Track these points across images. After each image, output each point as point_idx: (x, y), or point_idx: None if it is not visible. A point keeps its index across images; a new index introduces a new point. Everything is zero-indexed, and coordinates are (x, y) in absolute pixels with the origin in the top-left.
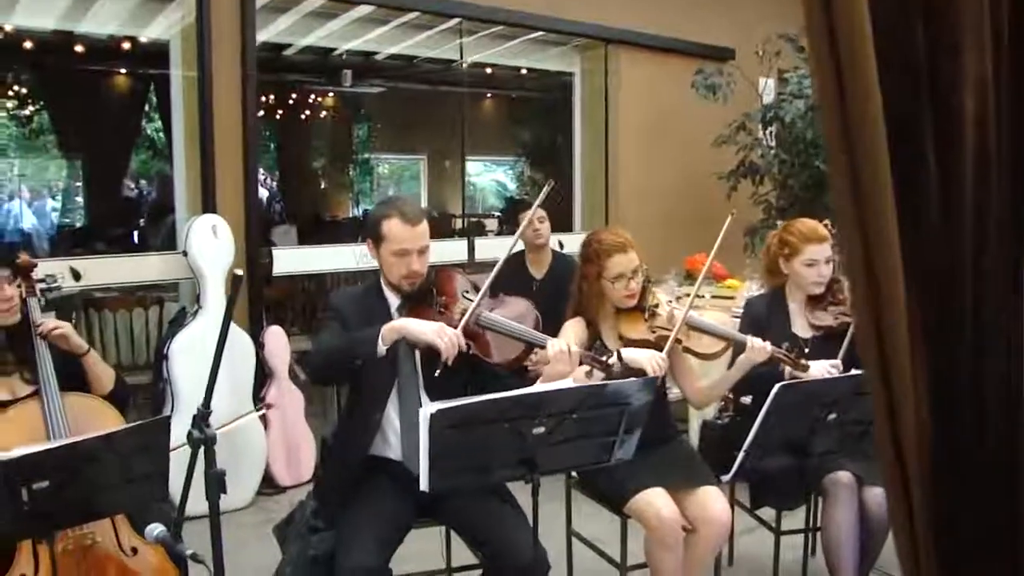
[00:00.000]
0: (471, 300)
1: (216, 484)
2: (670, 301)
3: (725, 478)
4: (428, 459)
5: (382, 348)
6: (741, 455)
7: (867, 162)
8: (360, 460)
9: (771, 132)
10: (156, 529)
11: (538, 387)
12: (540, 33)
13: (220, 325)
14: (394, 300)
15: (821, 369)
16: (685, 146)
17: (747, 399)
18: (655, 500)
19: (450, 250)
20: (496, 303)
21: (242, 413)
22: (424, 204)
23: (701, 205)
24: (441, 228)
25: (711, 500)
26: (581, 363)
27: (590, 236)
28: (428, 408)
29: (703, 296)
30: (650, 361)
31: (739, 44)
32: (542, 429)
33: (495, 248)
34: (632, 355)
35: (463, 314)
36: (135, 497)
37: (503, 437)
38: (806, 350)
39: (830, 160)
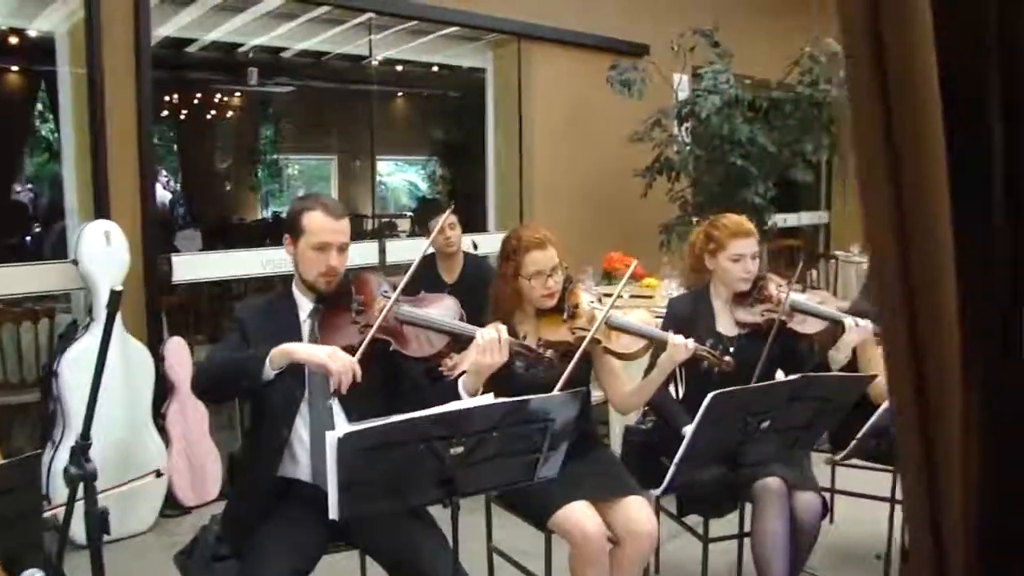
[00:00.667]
0: (389, 298)
1: (97, 524)
2: (592, 302)
3: (655, 492)
4: (337, 486)
5: (270, 372)
6: (672, 470)
7: (913, 135)
8: (267, 482)
9: (686, 128)
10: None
11: (456, 405)
12: (452, 28)
13: (116, 342)
14: (306, 305)
15: None
16: (600, 143)
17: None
18: (579, 514)
19: (361, 253)
20: (417, 301)
21: (138, 476)
22: None
23: (617, 203)
24: (352, 230)
25: (636, 511)
26: (512, 355)
27: (509, 233)
28: (335, 432)
29: (622, 296)
30: None
31: (653, 39)
32: (461, 449)
33: (407, 250)
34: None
35: (381, 311)
36: (6, 542)
37: (419, 459)
38: (731, 348)
39: (855, 132)
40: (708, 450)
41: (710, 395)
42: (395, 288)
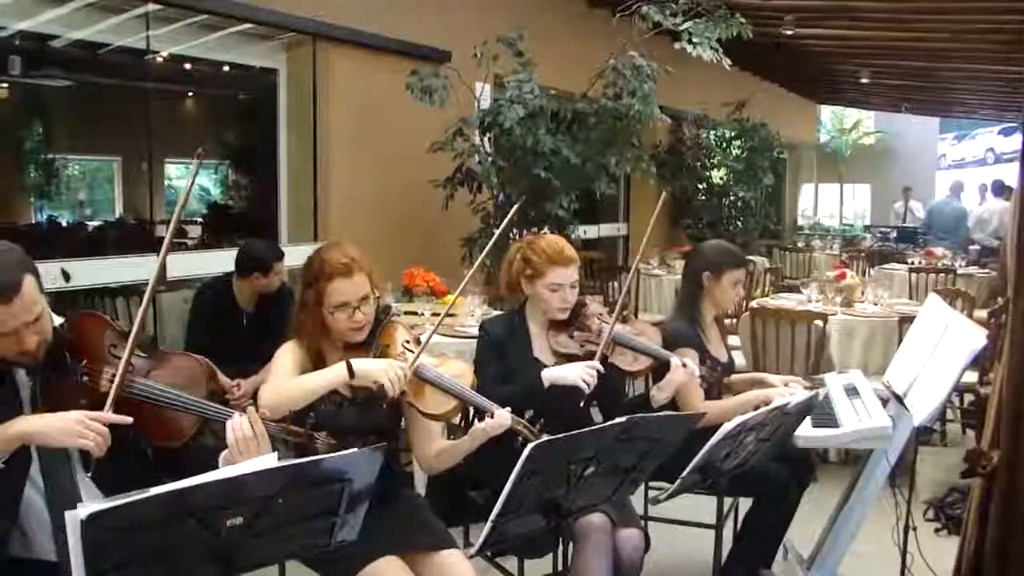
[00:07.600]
0: (119, 359)
1: None
2: (407, 342)
3: (471, 552)
4: (85, 574)
5: None
6: (488, 528)
7: None
8: None
9: (489, 138)
10: None
11: (227, 471)
12: (244, 26)
13: None
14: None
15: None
16: (400, 152)
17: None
18: (388, 574)
19: (140, 268)
20: (157, 363)
21: None
22: (120, 210)
23: (417, 214)
24: (138, 237)
25: (454, 566)
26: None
27: (313, 254)
28: (77, 512)
29: (422, 313)
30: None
31: (455, 46)
32: (239, 520)
33: (197, 264)
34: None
35: (112, 381)
36: None
37: (187, 534)
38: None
39: None
40: (527, 503)
41: (529, 446)
42: (126, 337)
